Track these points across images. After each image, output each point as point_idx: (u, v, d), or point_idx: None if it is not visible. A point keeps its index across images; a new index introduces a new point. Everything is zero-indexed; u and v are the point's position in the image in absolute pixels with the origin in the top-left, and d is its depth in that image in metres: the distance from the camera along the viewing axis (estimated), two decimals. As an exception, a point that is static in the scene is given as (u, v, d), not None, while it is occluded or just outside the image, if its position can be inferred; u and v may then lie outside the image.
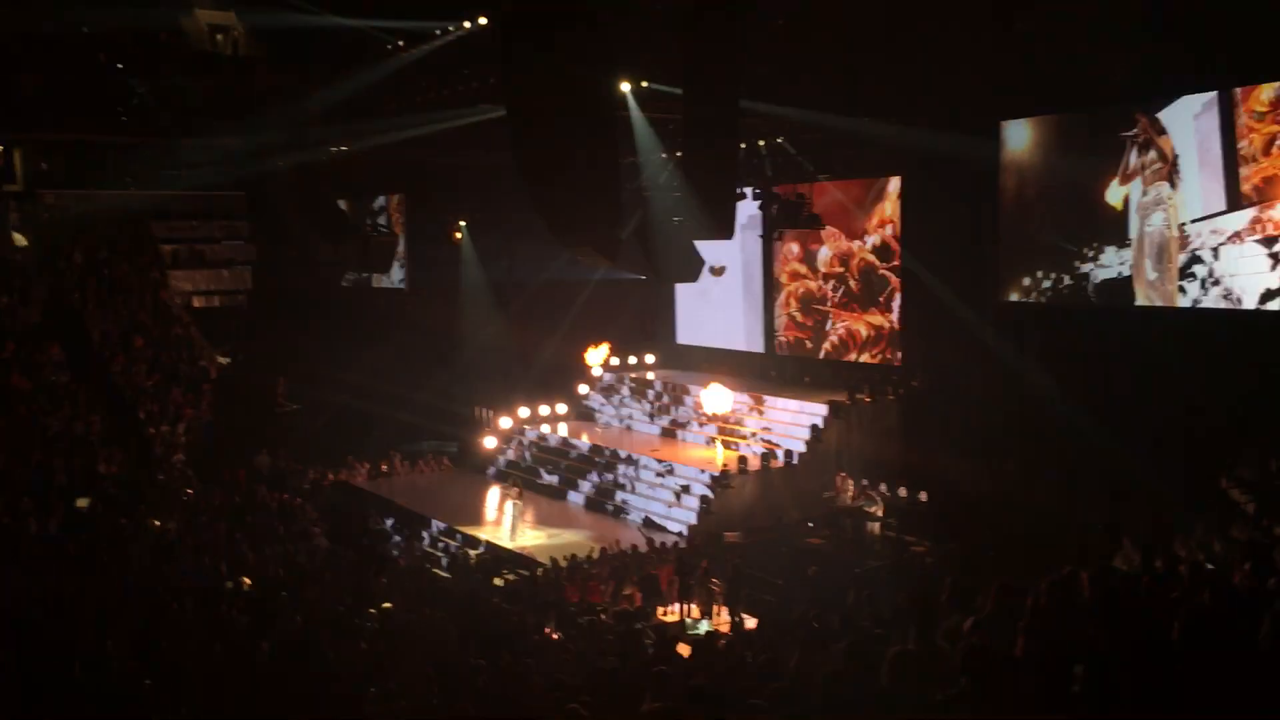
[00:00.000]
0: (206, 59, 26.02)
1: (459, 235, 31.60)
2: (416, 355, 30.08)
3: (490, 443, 26.45)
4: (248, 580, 14.72)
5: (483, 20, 18.10)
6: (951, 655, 5.66)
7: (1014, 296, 21.48)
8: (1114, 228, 19.69)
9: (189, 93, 25.71)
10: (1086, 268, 20.20)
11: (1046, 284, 20.90)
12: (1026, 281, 21.26)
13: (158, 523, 18.74)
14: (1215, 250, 18.15)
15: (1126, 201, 19.47)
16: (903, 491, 21.04)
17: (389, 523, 23.60)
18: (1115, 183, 19.60)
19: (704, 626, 16.70)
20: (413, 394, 29.59)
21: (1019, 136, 21.39)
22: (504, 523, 22.58)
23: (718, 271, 25.85)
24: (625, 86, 18.17)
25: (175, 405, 25.49)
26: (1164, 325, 19.05)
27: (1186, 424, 17.96)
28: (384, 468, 27.34)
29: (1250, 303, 17.64)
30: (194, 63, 25.52)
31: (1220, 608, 5.95)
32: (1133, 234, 19.42)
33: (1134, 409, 18.81)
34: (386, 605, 13.78)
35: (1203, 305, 18.36)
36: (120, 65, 23.86)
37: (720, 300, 29.01)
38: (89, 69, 23.85)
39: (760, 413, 24.88)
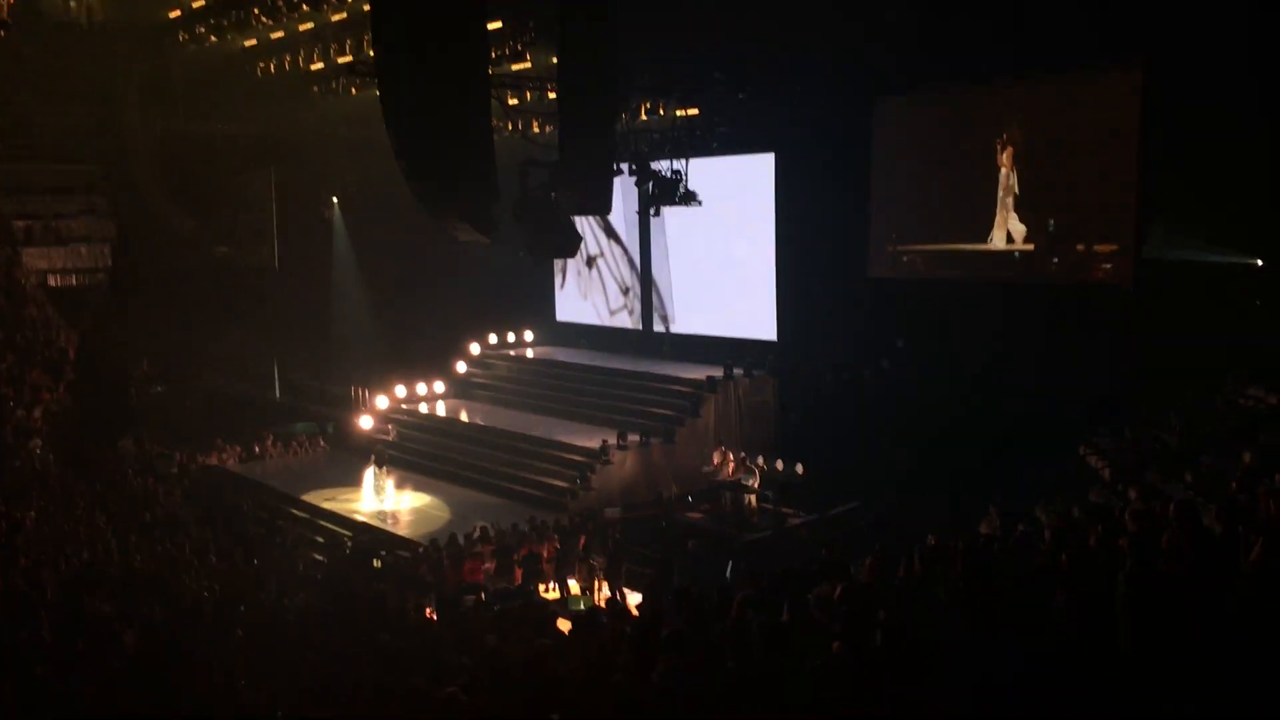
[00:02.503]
0: (61, 28, 24.89)
1: (331, 212, 30.92)
2: (288, 334, 29.39)
3: (366, 423, 26.04)
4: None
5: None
6: (825, 624, 5.78)
7: (883, 270, 22.04)
8: (979, 205, 20.37)
9: (43, 64, 24.58)
10: (951, 242, 20.88)
11: (911, 258, 21.52)
12: (893, 255, 21.84)
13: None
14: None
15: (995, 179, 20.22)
16: (780, 465, 21.38)
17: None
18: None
19: (584, 603, 16.74)
20: (285, 374, 28.94)
21: (891, 112, 21.89)
22: (364, 489, 22.43)
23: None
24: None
25: (32, 388, 24.42)
26: (1026, 297, 19.81)
27: (1049, 392, 18.65)
28: (256, 450, 26.62)
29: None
30: (48, 32, 24.39)
31: (1076, 568, 6.20)
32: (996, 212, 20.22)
33: (1000, 379, 19.49)
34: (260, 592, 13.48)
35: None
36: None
37: (598, 276, 29.01)
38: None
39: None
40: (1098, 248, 18.87)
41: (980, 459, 18.51)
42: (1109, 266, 18.84)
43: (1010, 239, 20.17)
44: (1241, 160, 16.05)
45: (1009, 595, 5.80)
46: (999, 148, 20.08)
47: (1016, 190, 19.96)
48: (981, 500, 16.80)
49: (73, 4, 24.80)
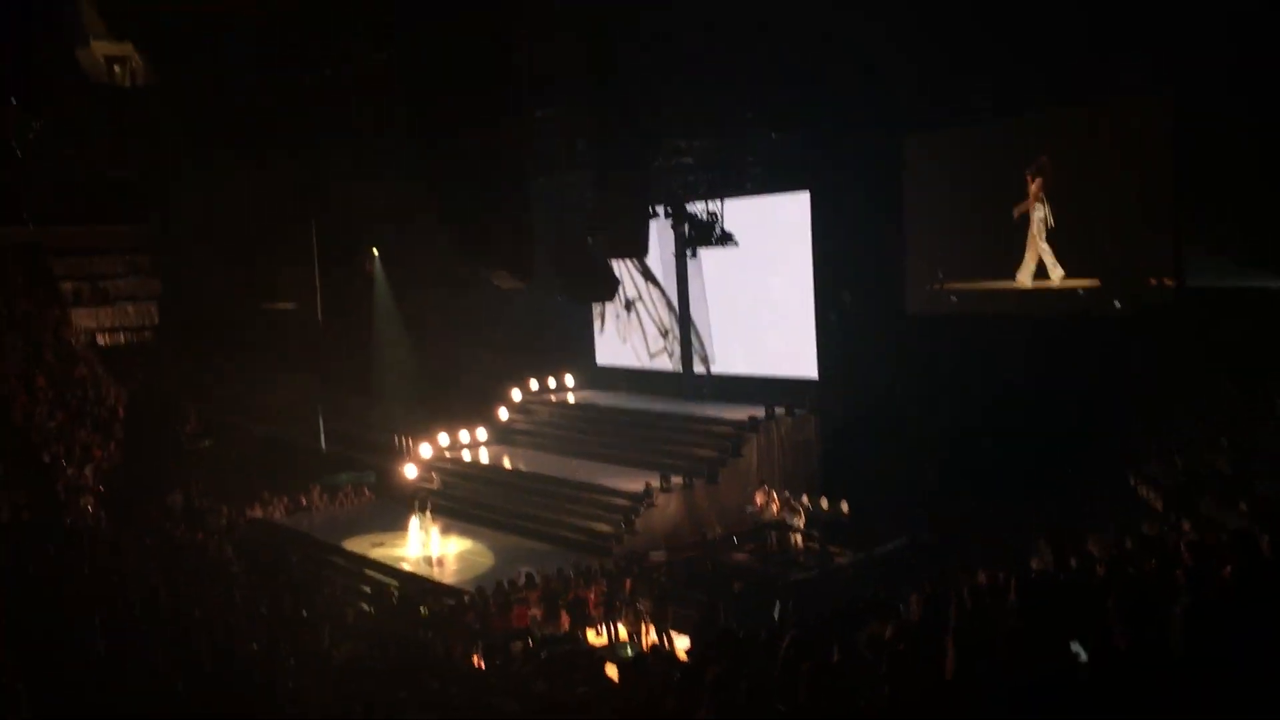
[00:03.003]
0: (104, 91, 25.40)
1: (372, 265, 31.27)
2: (332, 384, 29.64)
3: (410, 471, 26.14)
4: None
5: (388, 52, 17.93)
6: (875, 664, 5.70)
7: (922, 307, 21.93)
8: (1013, 240, 20.30)
9: (88, 126, 25.09)
10: (987, 279, 20.78)
11: (952, 296, 21.42)
12: (934, 293, 21.74)
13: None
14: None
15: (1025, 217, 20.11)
16: (824, 503, 21.23)
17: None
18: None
19: (630, 648, 16.65)
20: (330, 424, 29.14)
21: (922, 147, 21.88)
22: (409, 535, 22.49)
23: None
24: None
25: (82, 447, 24.81)
26: (1068, 326, 19.61)
27: (1096, 422, 18.40)
28: (303, 501, 26.78)
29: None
30: (92, 95, 24.89)
31: (1132, 604, 6.08)
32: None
33: (1045, 410, 19.27)
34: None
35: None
36: (14, 100, 23.19)
37: (637, 319, 29.08)
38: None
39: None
40: (1153, 280, 18.52)
41: (1028, 491, 18.32)
42: (1153, 295, 18.54)
43: (1040, 274, 19.98)
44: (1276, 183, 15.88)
45: (1065, 632, 5.69)
46: (1028, 180, 19.98)
47: (1050, 223, 19.80)
48: (1030, 533, 16.63)
49: (116, 69, 25.33)
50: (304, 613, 16.93)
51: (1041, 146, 19.85)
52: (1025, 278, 20.22)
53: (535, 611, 17.70)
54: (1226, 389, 16.70)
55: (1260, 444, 15.95)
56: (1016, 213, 20.27)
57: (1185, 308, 17.74)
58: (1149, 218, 18.31)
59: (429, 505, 22.72)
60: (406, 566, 21.57)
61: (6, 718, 8.96)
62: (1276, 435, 16.05)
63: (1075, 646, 5.08)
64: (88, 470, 24.34)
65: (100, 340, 29.13)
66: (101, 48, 25.26)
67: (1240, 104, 15.78)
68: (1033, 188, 20.04)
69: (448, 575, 20.88)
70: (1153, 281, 18.40)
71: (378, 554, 22.56)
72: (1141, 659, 4.96)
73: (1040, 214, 19.97)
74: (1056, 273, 19.90)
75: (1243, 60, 15.12)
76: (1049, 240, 19.86)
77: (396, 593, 19.94)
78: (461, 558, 21.94)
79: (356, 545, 23.38)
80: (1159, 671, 4.84)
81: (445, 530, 23.01)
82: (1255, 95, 15.38)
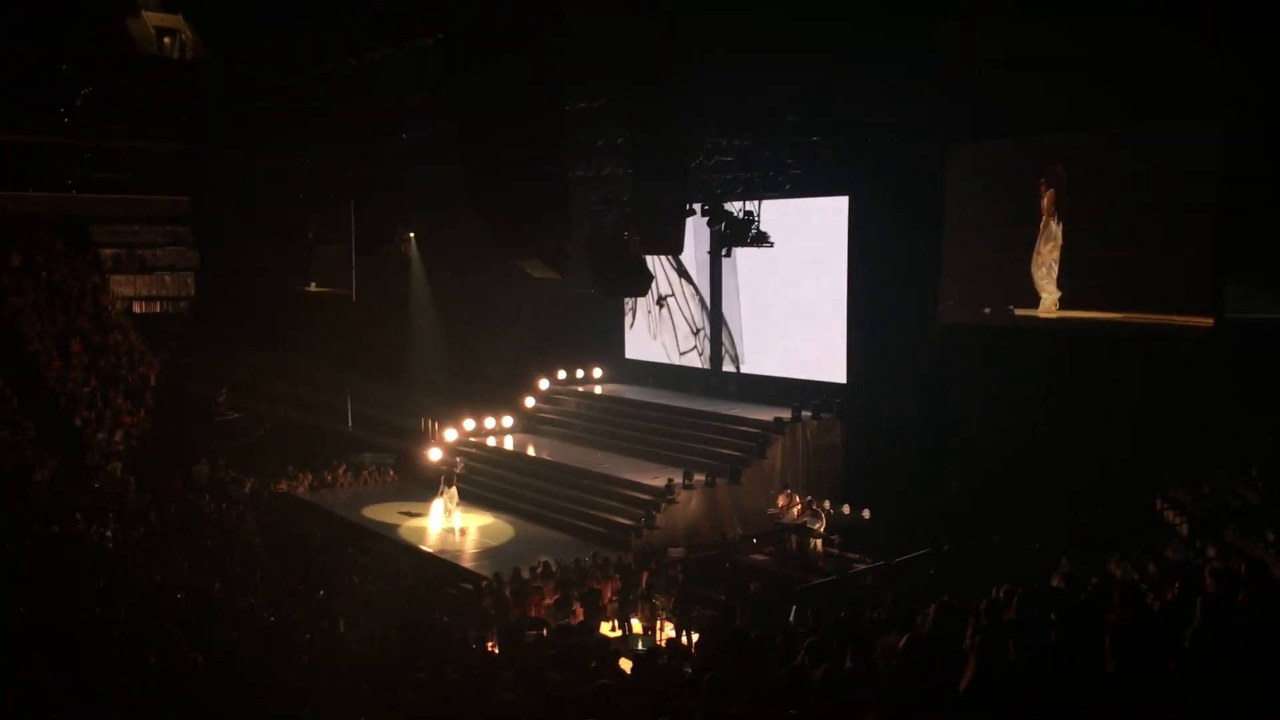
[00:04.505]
0: (152, 62, 25.62)
1: (408, 245, 31.40)
2: (362, 365, 29.82)
3: (434, 454, 26.30)
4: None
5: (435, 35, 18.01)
6: (887, 674, 5.70)
7: (954, 318, 21.80)
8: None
9: (134, 96, 25.31)
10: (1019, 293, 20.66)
11: (985, 307, 21.27)
12: (965, 303, 21.62)
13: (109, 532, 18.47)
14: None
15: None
16: (846, 509, 21.18)
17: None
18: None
19: (644, 642, 16.69)
20: (357, 404, 29.33)
21: (966, 160, 21.75)
22: (432, 507, 22.86)
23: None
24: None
25: (114, 412, 25.08)
26: (1101, 347, 19.41)
27: (1124, 444, 18.26)
28: (327, 478, 27.00)
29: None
30: (139, 66, 25.11)
31: (1146, 625, 6.04)
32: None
33: (1073, 428, 19.15)
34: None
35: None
36: (64, 66, 23.45)
37: (669, 315, 29.05)
38: (30, 70, 23.41)
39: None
40: (1182, 319, 18.30)
41: (1052, 508, 18.22)
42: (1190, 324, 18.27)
43: (1064, 304, 19.82)
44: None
45: (1070, 652, 5.66)
46: (1041, 189, 19.83)
47: (1059, 240, 19.60)
48: (1053, 551, 16.56)
49: (166, 40, 25.52)
50: (320, 592, 17.05)
51: (1086, 164, 19.64)
52: (1050, 303, 20.05)
53: (549, 600, 17.77)
54: (1259, 419, 16.51)
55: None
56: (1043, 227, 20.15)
57: (1222, 337, 17.53)
58: (1191, 242, 18.05)
59: (454, 479, 22.93)
60: (427, 549, 21.70)
61: (24, 684, 9.09)
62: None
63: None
64: (118, 436, 24.63)
65: (136, 308, 29.41)
66: (152, 18, 25.50)
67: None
68: (1045, 199, 19.85)
69: (466, 559, 20.99)
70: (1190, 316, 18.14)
71: (401, 529, 22.92)
72: (1136, 685, 4.93)
73: (1051, 230, 19.75)
74: (1048, 300, 19.75)
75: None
76: (1075, 272, 19.61)
77: (414, 574, 20.06)
78: (481, 542, 22.08)
79: (378, 510, 23.96)
80: (1162, 697, 4.80)
81: (467, 513, 23.19)
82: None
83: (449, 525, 22.46)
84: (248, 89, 21.19)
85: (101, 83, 23.03)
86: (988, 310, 21.27)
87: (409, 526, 23.01)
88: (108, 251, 29.01)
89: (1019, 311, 20.54)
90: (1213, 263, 17.74)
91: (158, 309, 29.86)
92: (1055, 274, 19.82)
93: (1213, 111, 17.21)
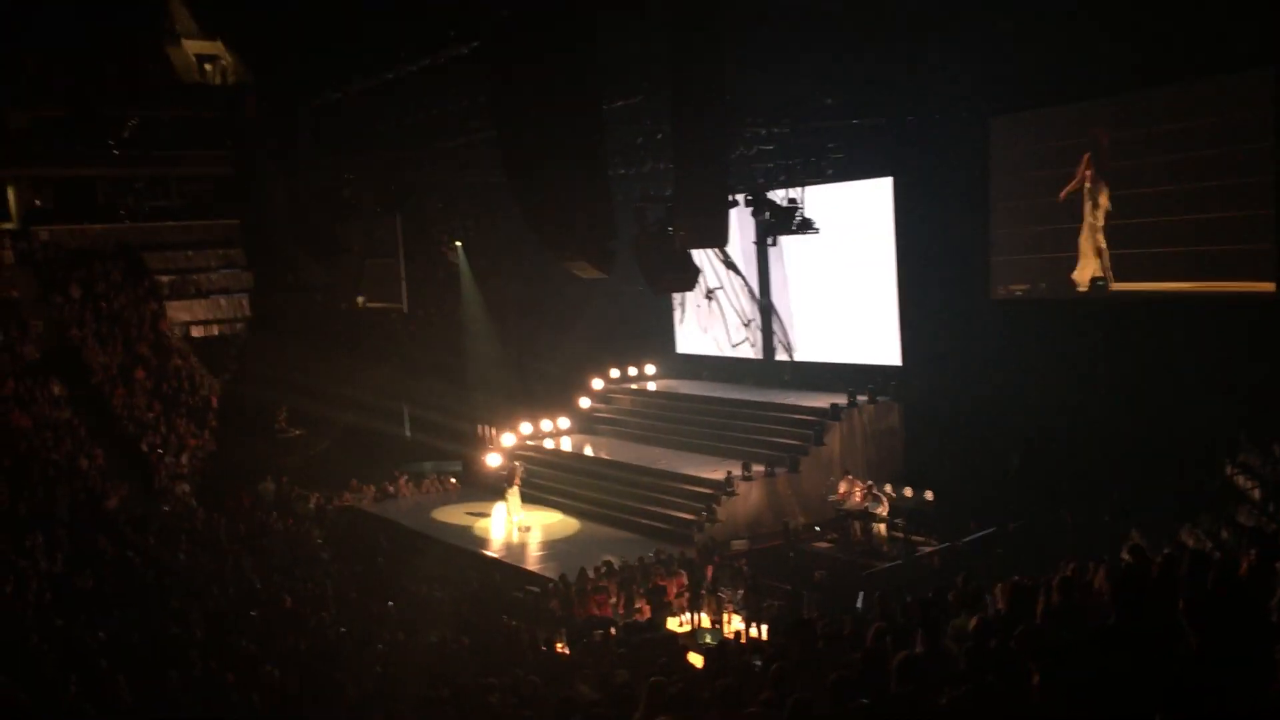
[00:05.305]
0: (195, 89, 26.10)
1: (457, 255, 31.64)
2: (417, 374, 30.11)
3: (494, 460, 26.45)
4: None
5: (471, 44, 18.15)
6: (959, 657, 5.64)
7: (1006, 292, 21.53)
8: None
9: (179, 124, 25.75)
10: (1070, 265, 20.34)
11: (1040, 281, 20.98)
12: (1017, 277, 21.34)
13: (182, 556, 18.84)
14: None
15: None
16: (908, 492, 21.01)
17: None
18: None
19: (712, 636, 16.67)
20: (415, 413, 29.63)
21: (1008, 131, 21.45)
22: (494, 510, 23.31)
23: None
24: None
25: (179, 436, 25.54)
26: (1163, 310, 19.02)
27: (1191, 408, 17.88)
28: (389, 489, 27.29)
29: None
30: (183, 93, 25.58)
31: (1228, 594, 5.92)
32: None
33: (1137, 396, 18.81)
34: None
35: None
36: (109, 97, 23.94)
37: (718, 308, 28.97)
38: (79, 102, 23.92)
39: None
40: (1241, 285, 17.82)
41: (1118, 479, 17.93)
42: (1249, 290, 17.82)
43: (1102, 274, 19.45)
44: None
45: (1155, 626, 5.56)
46: (1089, 162, 19.45)
47: (1106, 205, 19.21)
48: (1122, 522, 16.31)
49: (207, 67, 25.96)
50: (390, 603, 17.23)
51: (1132, 125, 19.25)
52: (1088, 275, 19.68)
53: (614, 599, 17.81)
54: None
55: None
56: (1063, 194, 19.80)
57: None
58: (1248, 204, 17.61)
59: (517, 479, 23.17)
60: (491, 554, 21.85)
61: (108, 707, 9.29)
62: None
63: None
64: (184, 458, 25.09)
65: (195, 332, 29.95)
66: (193, 46, 25.93)
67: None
68: (1082, 164, 19.48)
69: (531, 561, 21.12)
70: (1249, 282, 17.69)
71: (474, 524, 23.49)
72: (1232, 660, 4.81)
73: (1095, 196, 19.37)
74: (1086, 272, 19.39)
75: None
76: (1104, 231, 19.26)
77: (480, 580, 20.22)
78: (545, 545, 22.20)
79: (445, 513, 24.37)
80: (1254, 672, 4.67)
81: (531, 512, 23.42)
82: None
83: (515, 524, 22.82)
84: (289, 109, 21.48)
85: (148, 112, 23.48)
86: (1042, 285, 20.97)
87: (479, 526, 23.45)
88: (164, 278, 29.56)
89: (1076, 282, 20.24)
90: (1273, 222, 17.26)
91: (215, 332, 30.39)
92: (1099, 242, 19.45)
93: (1263, 58, 16.75)
